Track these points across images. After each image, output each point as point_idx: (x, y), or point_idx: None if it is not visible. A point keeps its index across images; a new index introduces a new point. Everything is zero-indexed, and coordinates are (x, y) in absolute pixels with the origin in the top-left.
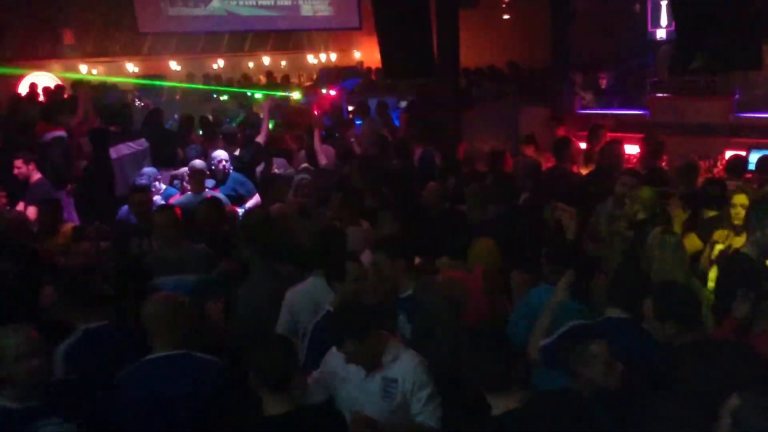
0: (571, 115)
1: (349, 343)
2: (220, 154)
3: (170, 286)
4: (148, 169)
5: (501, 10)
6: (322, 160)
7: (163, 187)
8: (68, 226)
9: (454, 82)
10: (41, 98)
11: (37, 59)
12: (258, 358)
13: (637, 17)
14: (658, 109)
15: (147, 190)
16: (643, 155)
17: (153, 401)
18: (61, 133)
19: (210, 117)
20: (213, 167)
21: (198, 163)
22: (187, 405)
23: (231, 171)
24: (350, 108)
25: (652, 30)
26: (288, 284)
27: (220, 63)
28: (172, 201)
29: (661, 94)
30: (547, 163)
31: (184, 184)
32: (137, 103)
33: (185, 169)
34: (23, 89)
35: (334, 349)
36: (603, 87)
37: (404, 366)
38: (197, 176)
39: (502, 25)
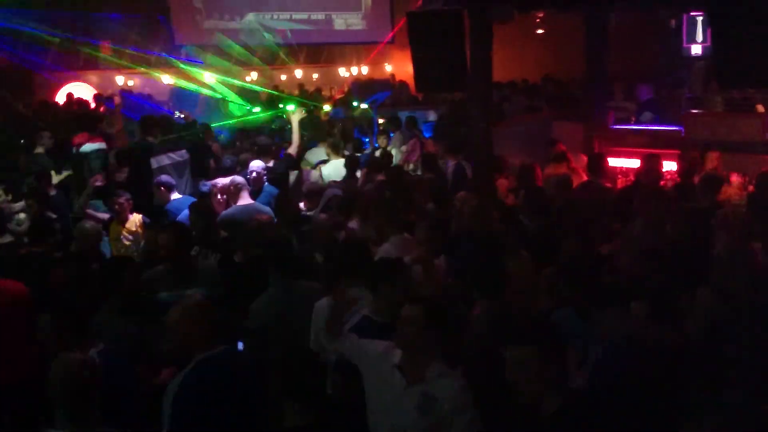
0: (604, 130)
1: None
2: (256, 164)
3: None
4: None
5: (535, 25)
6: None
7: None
8: (137, 217)
9: (486, 96)
10: (76, 107)
11: (75, 69)
12: (283, 371)
13: (672, 33)
14: (693, 126)
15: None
16: (678, 171)
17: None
18: (101, 144)
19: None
20: (248, 178)
21: (239, 178)
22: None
23: (266, 183)
24: (381, 121)
25: (687, 45)
26: (305, 300)
27: (253, 75)
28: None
29: (696, 111)
30: (581, 178)
31: (218, 197)
32: (176, 114)
33: (219, 180)
34: (61, 98)
35: (380, 347)
36: (642, 100)
37: (447, 387)
38: (240, 190)
39: (535, 39)
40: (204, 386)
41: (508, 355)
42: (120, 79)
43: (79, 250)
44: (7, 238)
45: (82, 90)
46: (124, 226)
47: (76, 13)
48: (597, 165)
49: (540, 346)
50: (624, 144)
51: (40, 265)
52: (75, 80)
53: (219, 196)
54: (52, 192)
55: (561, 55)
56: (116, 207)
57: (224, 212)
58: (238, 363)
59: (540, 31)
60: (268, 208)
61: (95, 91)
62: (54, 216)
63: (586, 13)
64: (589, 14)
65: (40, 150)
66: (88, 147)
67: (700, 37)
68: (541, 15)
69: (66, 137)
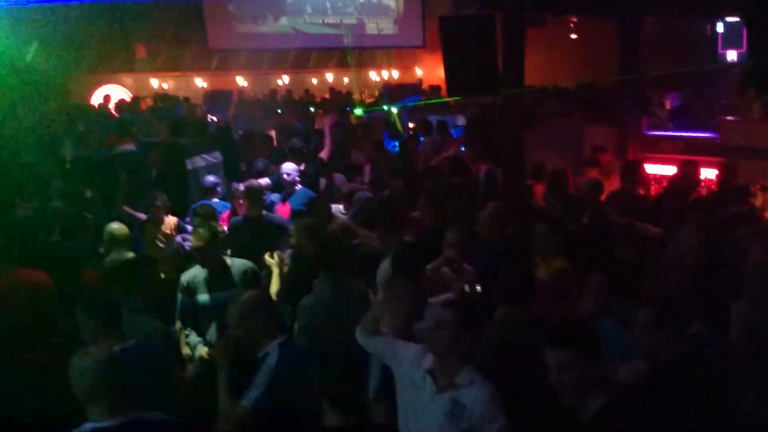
0: (638, 136)
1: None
2: (290, 167)
3: (208, 303)
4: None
5: (568, 30)
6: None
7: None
8: (172, 220)
9: (518, 100)
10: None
11: (111, 72)
12: (320, 372)
13: (707, 38)
14: (728, 133)
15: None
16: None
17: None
18: (131, 146)
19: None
20: (281, 180)
21: (255, 182)
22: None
23: (299, 186)
24: (411, 125)
25: (723, 52)
26: (353, 297)
27: (285, 79)
28: (227, 221)
29: (731, 117)
30: (613, 184)
31: (240, 201)
32: (209, 117)
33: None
34: (96, 100)
35: (413, 351)
36: (672, 107)
37: (477, 395)
38: (254, 195)
39: (568, 44)
40: (295, 364)
41: (549, 359)
42: (155, 82)
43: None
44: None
45: (118, 92)
46: (159, 229)
47: (113, 11)
48: (631, 172)
49: (581, 348)
50: (658, 150)
51: (68, 260)
52: (110, 82)
53: (241, 200)
54: (88, 194)
55: (594, 60)
56: (152, 209)
57: (232, 220)
58: (301, 354)
59: (573, 36)
60: (279, 217)
61: (130, 94)
62: (90, 216)
63: (620, 18)
64: (623, 19)
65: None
66: (119, 149)
67: (735, 43)
68: (574, 20)
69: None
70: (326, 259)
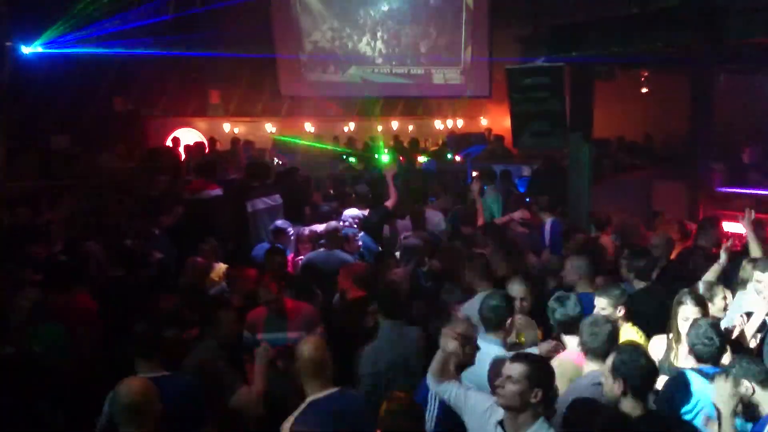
0: (709, 192)
1: None
2: (351, 213)
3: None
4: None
5: (639, 84)
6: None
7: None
8: (222, 267)
9: (586, 152)
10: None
11: (185, 116)
12: (386, 421)
13: None
14: None
15: (284, 253)
16: None
17: None
18: (219, 191)
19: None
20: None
21: (333, 224)
22: None
23: (361, 233)
24: (474, 174)
25: None
26: (413, 345)
27: (351, 126)
28: (303, 256)
29: None
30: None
31: (306, 244)
32: (276, 161)
33: (308, 228)
34: (171, 142)
35: (485, 402)
36: (746, 162)
37: None
38: (332, 235)
39: (638, 97)
40: (314, 428)
41: None
42: (227, 126)
43: (188, 283)
44: None
45: (191, 135)
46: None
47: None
48: (707, 230)
49: None
50: (729, 207)
51: (121, 289)
52: (184, 126)
53: (307, 243)
54: (157, 232)
55: (665, 114)
56: (201, 254)
57: (307, 255)
58: (352, 406)
59: (644, 90)
60: (349, 257)
61: (204, 137)
62: (159, 255)
63: (692, 73)
64: (696, 74)
65: (154, 193)
66: (206, 194)
67: None
68: (645, 73)
69: (182, 181)
70: (386, 307)
